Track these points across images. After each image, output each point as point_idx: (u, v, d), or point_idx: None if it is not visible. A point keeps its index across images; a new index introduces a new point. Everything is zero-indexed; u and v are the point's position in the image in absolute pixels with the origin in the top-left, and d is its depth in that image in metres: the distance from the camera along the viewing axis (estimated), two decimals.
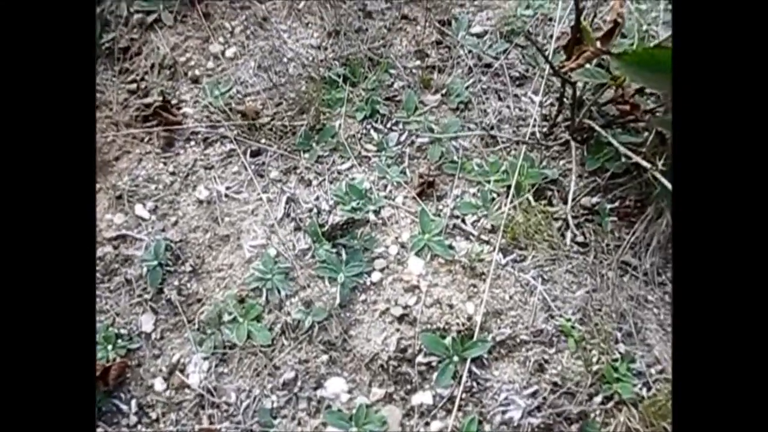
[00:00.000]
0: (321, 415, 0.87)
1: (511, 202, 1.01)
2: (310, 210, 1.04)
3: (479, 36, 1.23)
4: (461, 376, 0.87)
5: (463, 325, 0.90)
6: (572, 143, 1.05)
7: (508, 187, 1.03)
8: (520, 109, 1.14)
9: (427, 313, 0.92)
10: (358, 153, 1.10)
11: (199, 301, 0.98)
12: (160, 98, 1.15)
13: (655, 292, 0.94)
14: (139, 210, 1.06)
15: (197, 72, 1.20)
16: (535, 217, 0.98)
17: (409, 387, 0.88)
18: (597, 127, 1.00)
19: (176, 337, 0.96)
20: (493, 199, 1.03)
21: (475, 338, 0.89)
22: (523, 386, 0.87)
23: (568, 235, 0.98)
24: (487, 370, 0.89)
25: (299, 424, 0.87)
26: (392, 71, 1.18)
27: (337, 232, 0.99)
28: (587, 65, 0.95)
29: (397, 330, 0.91)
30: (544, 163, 1.06)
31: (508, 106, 1.14)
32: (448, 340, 0.89)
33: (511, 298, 0.94)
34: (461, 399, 0.86)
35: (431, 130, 1.11)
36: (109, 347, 0.94)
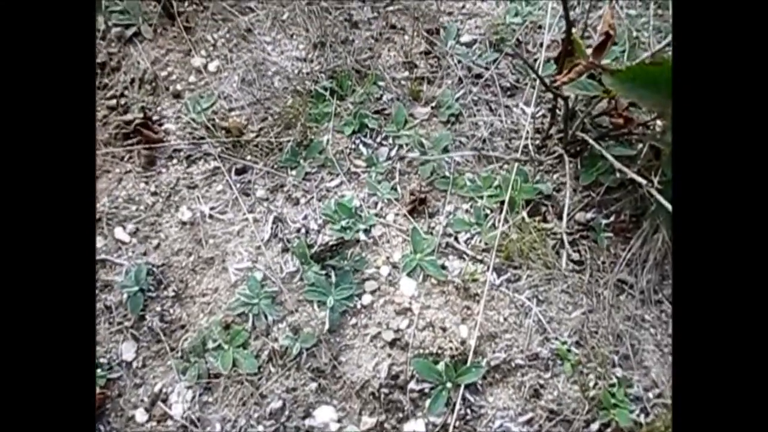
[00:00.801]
0: None
1: (505, 218, 0.98)
2: (298, 230, 1.00)
3: (468, 45, 1.21)
4: (455, 403, 0.84)
5: (457, 349, 0.87)
6: (566, 157, 1.02)
7: (502, 202, 1.00)
8: (512, 122, 1.11)
9: (419, 337, 0.89)
10: (347, 169, 1.07)
11: (182, 327, 0.94)
12: (141, 114, 1.11)
13: (651, 311, 0.92)
14: (119, 233, 1.01)
15: (179, 87, 1.16)
16: (529, 234, 0.95)
17: (401, 415, 0.85)
18: (590, 140, 0.98)
19: (158, 366, 0.92)
20: (487, 215, 1.01)
21: (468, 363, 0.86)
22: (518, 413, 0.84)
23: (564, 253, 0.96)
24: (482, 396, 0.86)
25: None
26: (380, 83, 1.15)
27: (326, 253, 0.96)
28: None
29: (389, 355, 0.88)
30: (538, 177, 1.04)
31: (500, 119, 1.11)
32: (441, 366, 0.86)
33: (505, 320, 0.91)
34: (455, 427, 0.83)
35: (422, 145, 1.08)
36: None
